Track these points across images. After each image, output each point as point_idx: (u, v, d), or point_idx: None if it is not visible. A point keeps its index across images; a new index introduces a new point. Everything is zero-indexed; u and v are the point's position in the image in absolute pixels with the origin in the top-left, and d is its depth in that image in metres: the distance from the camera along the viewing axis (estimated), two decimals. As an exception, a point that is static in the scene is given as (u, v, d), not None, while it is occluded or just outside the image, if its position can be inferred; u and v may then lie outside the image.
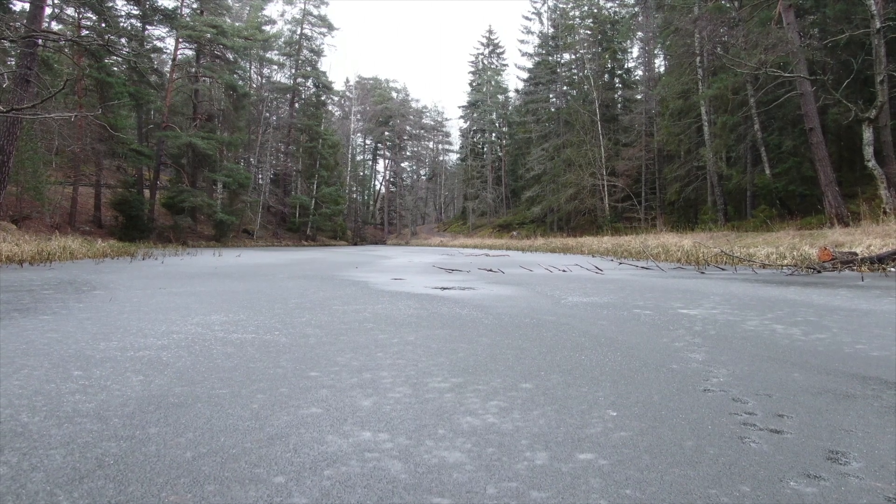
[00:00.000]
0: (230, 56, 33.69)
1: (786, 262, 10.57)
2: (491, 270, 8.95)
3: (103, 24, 28.21)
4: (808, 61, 17.82)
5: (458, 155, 52.32)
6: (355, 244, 42.69)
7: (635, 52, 39.02)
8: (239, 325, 3.44)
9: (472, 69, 46.55)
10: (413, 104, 53.93)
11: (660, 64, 37.50)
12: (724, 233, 18.10)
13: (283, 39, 37.80)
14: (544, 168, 36.68)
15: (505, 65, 46.47)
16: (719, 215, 24.24)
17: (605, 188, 31.97)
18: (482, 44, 46.08)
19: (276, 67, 39.26)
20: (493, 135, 44.92)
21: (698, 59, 23.74)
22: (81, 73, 19.79)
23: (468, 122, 47.04)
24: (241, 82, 36.89)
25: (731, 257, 11.05)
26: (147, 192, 32.80)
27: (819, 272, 9.03)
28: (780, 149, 20.88)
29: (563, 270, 9.10)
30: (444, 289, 5.99)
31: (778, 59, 15.98)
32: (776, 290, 5.70)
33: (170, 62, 32.93)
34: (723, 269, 9.59)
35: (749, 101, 20.73)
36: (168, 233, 32.30)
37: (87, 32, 23.74)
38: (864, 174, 20.06)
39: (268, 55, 37.82)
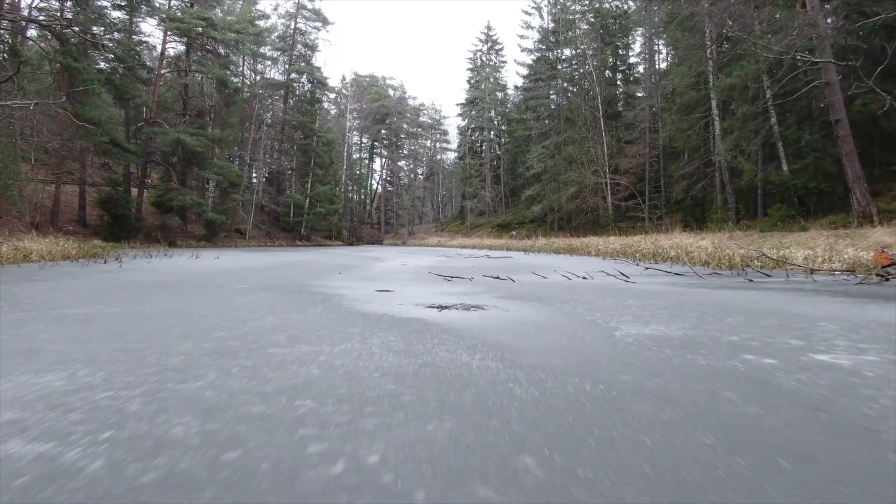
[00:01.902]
0: (221, 50, 31.99)
1: (834, 265, 9.01)
2: (498, 278, 7.33)
3: (92, 16, 26.56)
4: (832, 48, 16.26)
5: (456, 154, 50.68)
6: (351, 244, 41.02)
7: (637, 48, 37.45)
8: (61, 406, 1.81)
9: (471, 66, 44.93)
10: (410, 102, 52.29)
11: (662, 59, 35.97)
12: (744, 233, 16.53)
13: (276, 34, 36.08)
14: (544, 166, 35.13)
15: (504, 62, 44.88)
16: (730, 214, 22.71)
17: (608, 186, 30.41)
18: (480, 40, 44.46)
19: (269, 63, 37.57)
20: (492, 133, 43.32)
21: (709, 50, 22.21)
22: (56, 61, 18.00)
23: (466, 120, 45.41)
24: (235, 79, 35.21)
25: (773, 260, 9.46)
26: (135, 191, 31.15)
27: (886, 279, 7.45)
28: (798, 143, 19.33)
29: (584, 278, 7.49)
30: (443, 308, 4.37)
31: (804, 45, 14.44)
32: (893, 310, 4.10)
33: (159, 57, 31.18)
34: (768, 276, 8.00)
35: (765, 93, 19.18)
36: (156, 232, 30.65)
37: (65, 20, 21.96)
38: (887, 170, 18.56)
39: (261, 50, 36.12)
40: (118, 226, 28.14)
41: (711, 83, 22.47)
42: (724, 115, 22.69)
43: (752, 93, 19.79)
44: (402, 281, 7.21)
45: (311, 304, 4.56)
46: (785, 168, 19.20)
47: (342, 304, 4.62)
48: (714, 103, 22.49)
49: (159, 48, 30.90)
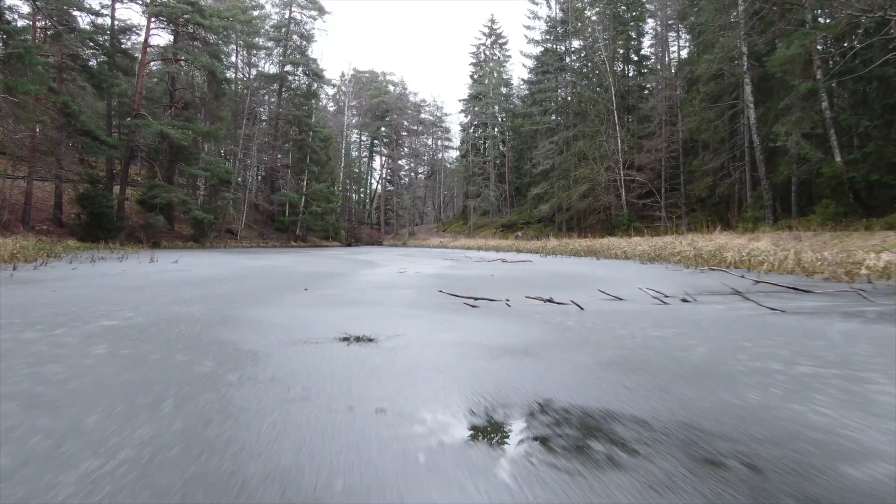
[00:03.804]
0: (210, 39, 29.09)
1: None
2: (552, 301, 4.39)
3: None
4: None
5: (459, 151, 47.66)
6: (349, 245, 38.11)
7: (647, 40, 34.51)
8: None
9: (474, 61, 41.88)
10: (411, 98, 49.11)
11: (677, 49, 33.14)
12: (812, 232, 13.61)
13: (270, 24, 33.06)
14: (552, 163, 32.26)
15: (508, 56, 41.82)
16: (767, 213, 19.82)
17: (623, 183, 27.51)
18: (484, 34, 41.47)
19: (263, 56, 34.52)
20: (496, 129, 40.35)
21: (743, 29, 19.36)
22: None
23: (469, 117, 42.38)
24: (228, 75, 32.29)
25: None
26: (118, 189, 28.26)
27: None
28: (855, 130, 16.47)
29: (686, 300, 4.57)
30: (491, 433, 1.46)
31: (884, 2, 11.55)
32: None
33: (143, 45, 28.23)
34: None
35: (816, 74, 16.28)
36: (139, 232, 27.78)
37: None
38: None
39: (255, 41, 33.10)
40: (97, 225, 25.29)
41: (745, 66, 19.62)
42: (796, 87, 19.67)
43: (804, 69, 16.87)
44: (394, 307, 4.29)
45: (130, 418, 1.65)
46: (838, 158, 16.31)
47: (219, 410, 1.70)
48: (748, 89, 19.61)
49: (144, 37, 27.99)
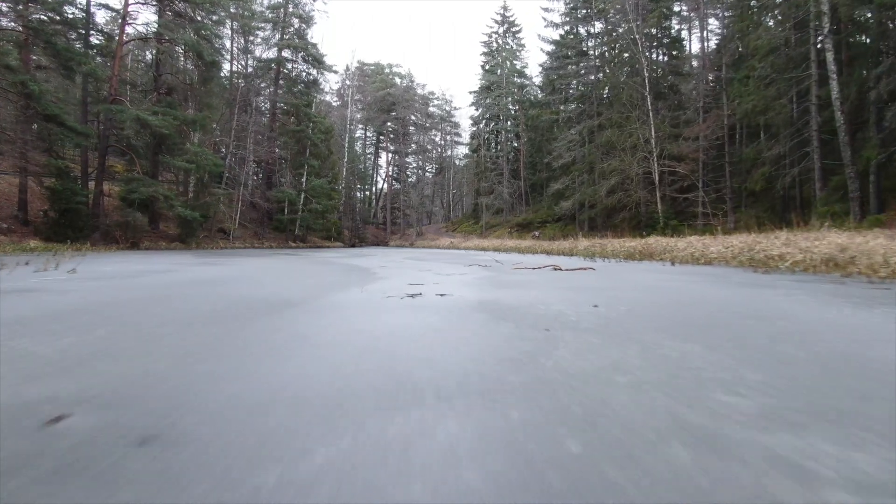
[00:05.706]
0: (198, 16, 25.31)
1: None
2: None
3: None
4: None
5: (469, 147, 43.59)
6: (353, 245, 34.24)
7: (674, 22, 30.43)
8: None
9: (485, 50, 37.90)
10: (418, 90, 45.11)
11: (707, 33, 29.09)
12: None
13: (265, 3, 29.26)
14: (574, 156, 28.24)
15: (522, 45, 37.82)
16: (852, 206, 15.69)
17: (658, 176, 23.44)
18: (496, 21, 37.51)
19: (260, 41, 30.66)
20: (509, 122, 36.35)
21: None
22: None
23: (480, 110, 38.40)
24: (219, 57, 28.49)
25: None
26: (95, 182, 24.50)
27: None
28: None
29: None
30: None
31: None
32: None
33: (121, 22, 24.46)
34: None
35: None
36: (117, 231, 23.97)
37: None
38: None
39: (248, 24, 29.30)
40: (66, 223, 21.61)
41: (826, 28, 15.59)
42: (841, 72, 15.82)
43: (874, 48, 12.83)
44: None
45: None
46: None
47: None
48: (830, 56, 15.59)
49: (122, 13, 24.21)
